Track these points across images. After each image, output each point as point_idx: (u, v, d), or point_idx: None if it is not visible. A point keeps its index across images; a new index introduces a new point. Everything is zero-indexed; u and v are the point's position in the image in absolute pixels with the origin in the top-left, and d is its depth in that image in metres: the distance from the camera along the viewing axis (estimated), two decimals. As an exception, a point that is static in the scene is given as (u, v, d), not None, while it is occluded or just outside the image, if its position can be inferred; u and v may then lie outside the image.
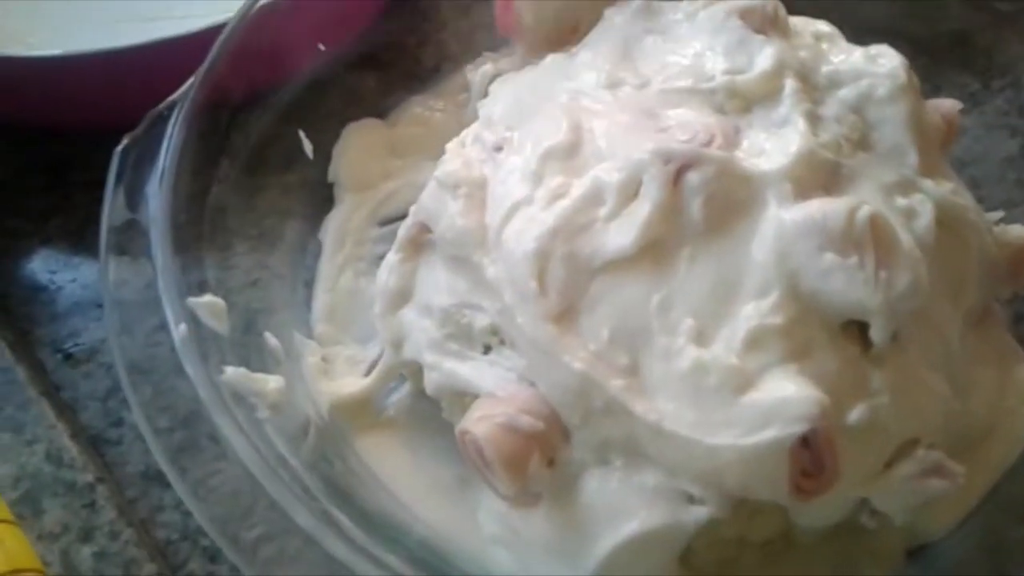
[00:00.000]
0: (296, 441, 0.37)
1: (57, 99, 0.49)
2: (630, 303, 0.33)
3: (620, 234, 0.34)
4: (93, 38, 0.49)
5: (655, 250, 0.33)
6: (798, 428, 0.31)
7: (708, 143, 0.35)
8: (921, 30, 0.48)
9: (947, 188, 0.37)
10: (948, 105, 0.41)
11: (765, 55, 0.38)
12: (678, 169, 0.34)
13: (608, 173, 0.35)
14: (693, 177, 0.34)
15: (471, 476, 0.36)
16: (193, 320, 0.37)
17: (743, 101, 0.37)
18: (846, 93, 0.37)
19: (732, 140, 0.36)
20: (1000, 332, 0.40)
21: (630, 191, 0.34)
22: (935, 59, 0.48)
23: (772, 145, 0.35)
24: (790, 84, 0.37)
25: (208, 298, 0.38)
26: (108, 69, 0.47)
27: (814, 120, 0.36)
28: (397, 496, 0.39)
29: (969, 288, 0.37)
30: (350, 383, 0.41)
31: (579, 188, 0.35)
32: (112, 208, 0.40)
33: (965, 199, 0.38)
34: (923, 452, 0.33)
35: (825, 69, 0.38)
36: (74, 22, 0.54)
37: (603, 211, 0.34)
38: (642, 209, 0.34)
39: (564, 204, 0.34)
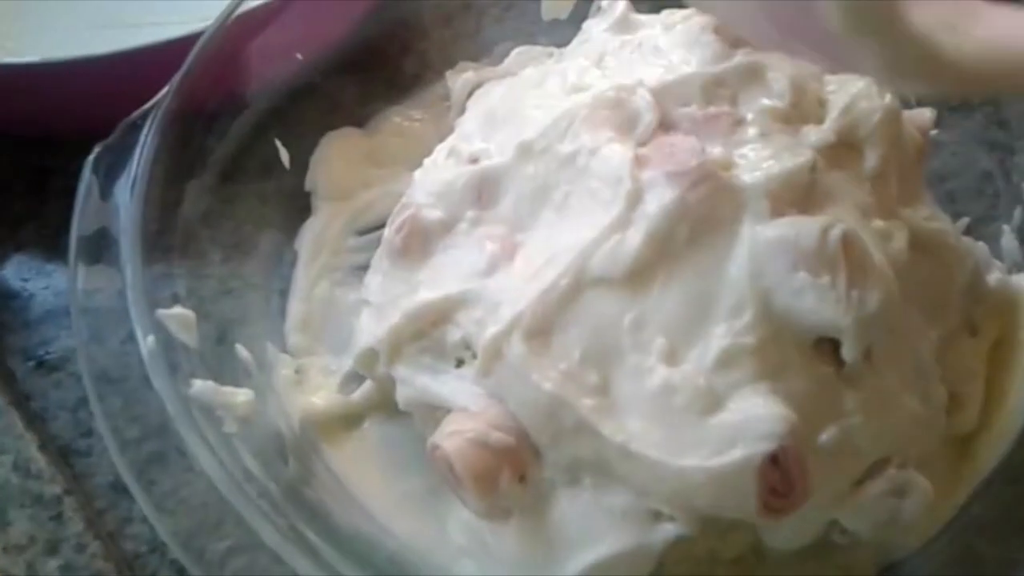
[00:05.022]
0: (265, 454, 0.37)
1: (35, 105, 0.48)
2: (603, 322, 0.33)
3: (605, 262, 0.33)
4: (72, 43, 0.49)
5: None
6: (766, 446, 0.31)
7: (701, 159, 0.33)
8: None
9: (924, 213, 0.37)
10: (923, 116, 0.41)
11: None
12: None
13: (599, 196, 0.34)
14: (691, 196, 0.33)
15: (441, 487, 0.36)
16: (162, 332, 0.36)
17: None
18: (824, 111, 0.37)
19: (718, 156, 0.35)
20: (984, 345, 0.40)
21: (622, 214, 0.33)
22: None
23: (747, 161, 0.35)
24: (764, 99, 0.37)
25: (178, 310, 0.38)
26: (87, 76, 0.46)
27: (789, 136, 0.36)
28: (367, 507, 0.39)
29: (950, 311, 0.37)
30: (323, 396, 0.41)
31: None
32: (83, 216, 0.39)
33: (944, 224, 0.38)
34: (894, 471, 0.33)
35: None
36: (53, 26, 0.53)
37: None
38: (632, 239, 0.33)
39: None
